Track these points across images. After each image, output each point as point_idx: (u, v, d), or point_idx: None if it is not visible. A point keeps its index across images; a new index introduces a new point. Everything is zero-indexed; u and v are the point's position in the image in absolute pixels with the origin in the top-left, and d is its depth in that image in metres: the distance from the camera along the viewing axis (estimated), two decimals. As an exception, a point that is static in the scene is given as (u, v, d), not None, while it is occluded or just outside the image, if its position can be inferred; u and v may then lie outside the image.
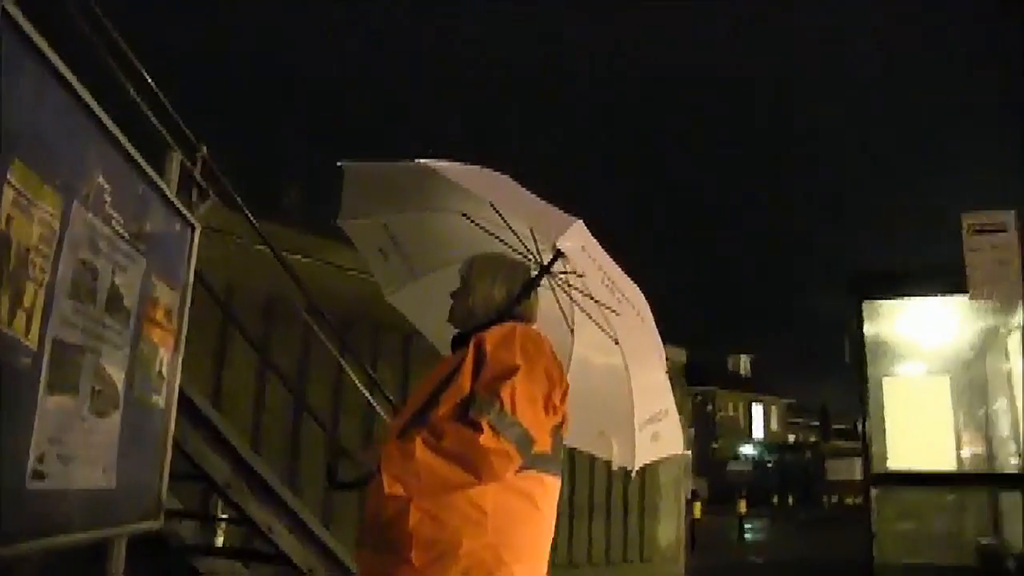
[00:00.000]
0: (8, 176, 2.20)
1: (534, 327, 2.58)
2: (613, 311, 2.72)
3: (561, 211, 2.50)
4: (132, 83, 3.93)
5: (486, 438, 2.15)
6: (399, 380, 7.94)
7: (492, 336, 2.38)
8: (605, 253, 2.62)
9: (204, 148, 4.74)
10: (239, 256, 6.46)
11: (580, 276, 2.71)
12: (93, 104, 2.72)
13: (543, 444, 2.32)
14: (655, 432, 2.98)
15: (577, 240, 2.39)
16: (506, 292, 2.64)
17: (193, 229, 3.94)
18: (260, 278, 6.56)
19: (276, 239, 5.65)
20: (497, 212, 2.75)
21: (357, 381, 5.93)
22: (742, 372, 59.81)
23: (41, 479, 2.50)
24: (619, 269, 2.69)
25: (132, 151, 3.10)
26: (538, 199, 2.54)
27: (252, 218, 5.26)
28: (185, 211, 3.84)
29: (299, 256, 6.88)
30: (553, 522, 2.46)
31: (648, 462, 3.06)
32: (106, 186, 2.87)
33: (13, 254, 2.26)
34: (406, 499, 2.21)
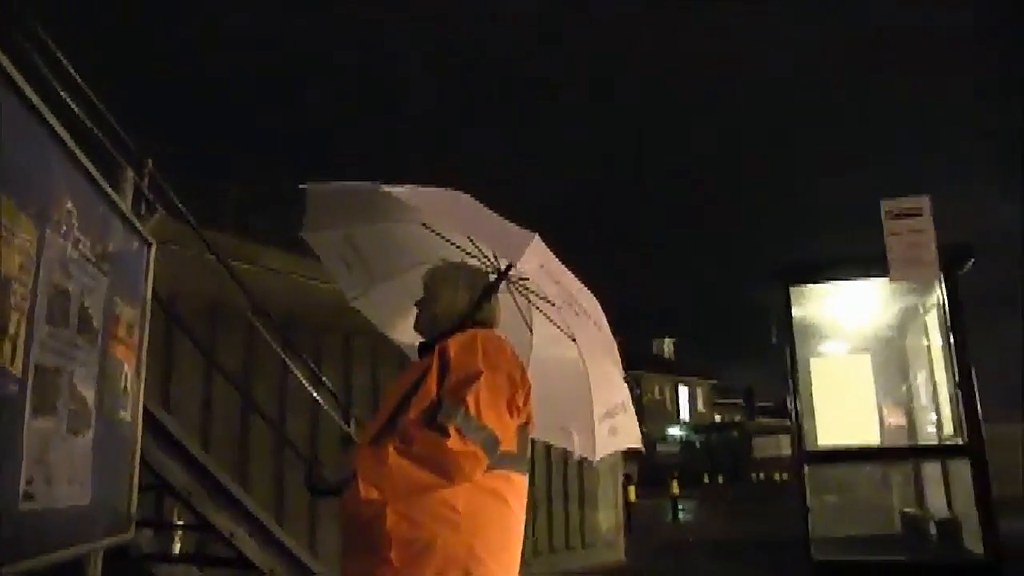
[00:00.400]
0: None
1: (496, 331, 2.73)
2: (567, 329, 2.90)
3: (516, 227, 2.64)
4: (77, 102, 3.96)
5: (454, 442, 2.29)
6: (341, 379, 8.01)
7: (455, 343, 2.51)
8: (560, 264, 2.78)
9: (150, 162, 4.78)
10: (179, 264, 6.47)
11: (535, 291, 2.88)
12: (60, 130, 2.78)
13: (509, 444, 2.46)
14: (612, 426, 3.17)
15: (535, 259, 2.53)
16: (467, 299, 2.77)
17: (149, 246, 3.99)
18: (202, 284, 6.59)
19: (218, 247, 5.70)
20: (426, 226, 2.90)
21: (302, 378, 6.01)
22: (667, 355, 60.68)
23: (31, 500, 2.58)
24: (573, 277, 2.85)
25: (95, 173, 3.16)
26: (494, 215, 2.67)
27: (197, 228, 5.31)
28: (141, 228, 3.89)
29: (240, 262, 6.89)
30: (523, 517, 2.60)
31: (608, 453, 3.24)
32: (73, 210, 2.93)
33: (-1, 286, 2.32)
34: (382, 502, 2.33)
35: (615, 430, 3.18)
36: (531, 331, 3.21)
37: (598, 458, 3.23)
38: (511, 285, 3.02)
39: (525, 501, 2.61)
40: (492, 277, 2.87)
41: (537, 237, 2.55)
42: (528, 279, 2.96)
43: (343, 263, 3.25)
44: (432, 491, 2.35)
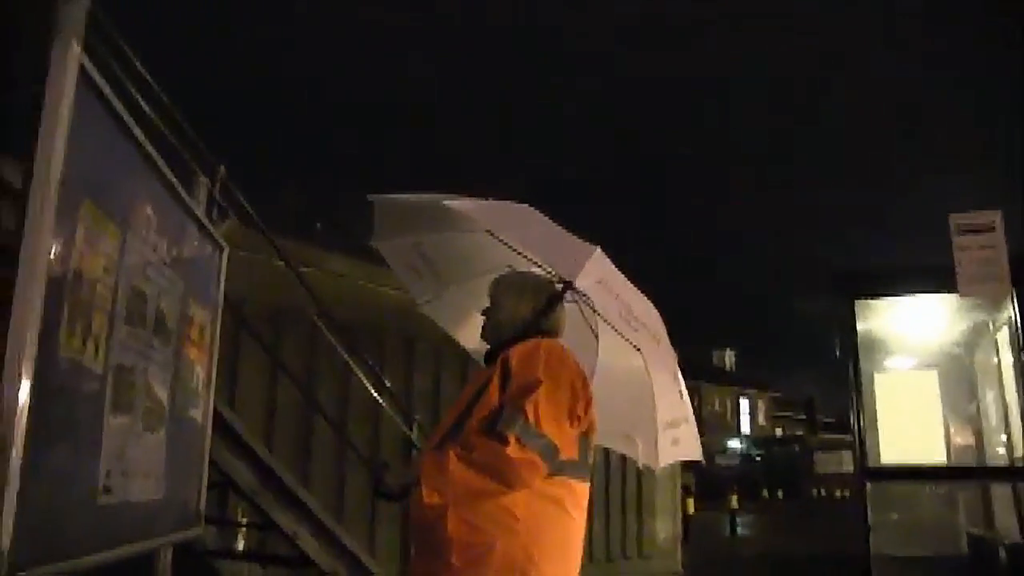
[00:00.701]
0: (80, 214, 2.37)
1: (559, 341, 2.76)
2: (630, 341, 2.93)
3: (578, 240, 2.66)
4: (154, 109, 4.09)
5: (512, 449, 2.35)
6: (403, 383, 8.12)
7: (517, 352, 2.57)
8: (621, 276, 2.80)
9: (223, 169, 4.91)
10: (247, 268, 6.62)
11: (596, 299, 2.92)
12: (142, 138, 2.89)
13: (569, 451, 2.50)
14: (675, 436, 3.19)
15: (594, 275, 2.57)
16: (531, 307, 2.81)
17: (222, 250, 4.11)
18: (268, 289, 6.73)
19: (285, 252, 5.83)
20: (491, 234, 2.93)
21: (365, 381, 6.11)
22: (727, 366, 60.15)
23: (109, 493, 2.68)
24: (635, 291, 2.88)
25: (173, 180, 3.27)
26: (555, 228, 2.69)
27: (267, 233, 5.45)
28: (215, 233, 4.01)
29: (305, 267, 7.03)
30: (583, 524, 2.63)
31: (670, 463, 3.27)
32: (152, 215, 3.04)
33: (85, 287, 2.43)
34: (443, 506, 2.39)
35: (677, 440, 3.20)
36: (597, 339, 3.24)
37: (661, 466, 3.25)
38: (577, 294, 3.05)
39: (586, 509, 2.65)
40: (559, 286, 2.90)
41: (598, 251, 2.58)
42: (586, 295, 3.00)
43: (412, 270, 3.33)
44: (492, 497, 2.40)
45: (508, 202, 2.83)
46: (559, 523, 2.52)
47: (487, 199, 2.83)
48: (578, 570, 2.62)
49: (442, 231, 3.16)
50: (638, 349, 3.06)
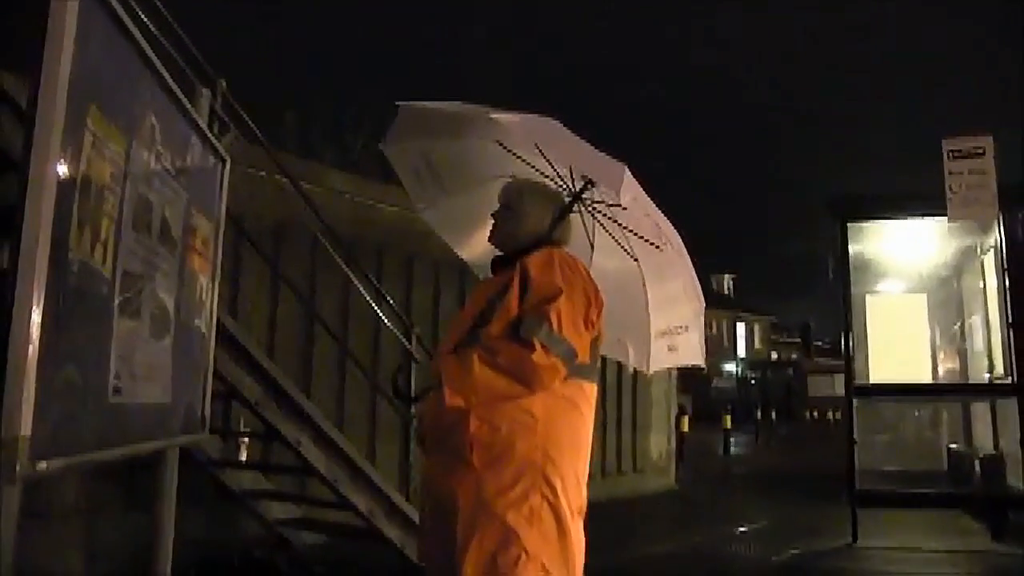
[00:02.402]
0: (87, 122, 2.43)
1: (567, 250, 2.88)
2: (655, 246, 3.03)
3: (605, 156, 2.71)
4: (154, 21, 4.12)
5: (538, 355, 2.49)
6: (402, 299, 8.23)
7: (535, 261, 2.68)
8: (646, 196, 2.87)
9: (223, 83, 4.95)
10: (249, 183, 6.68)
11: (615, 207, 3.01)
12: (145, 45, 2.91)
13: (583, 356, 2.65)
14: (671, 344, 3.34)
15: (631, 191, 2.65)
16: (549, 218, 2.91)
17: (224, 162, 4.16)
18: (270, 203, 6.80)
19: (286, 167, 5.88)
20: (538, 148, 2.95)
21: (366, 294, 6.22)
22: (725, 291, 60.40)
23: (119, 394, 2.80)
24: (658, 211, 2.95)
25: (176, 90, 3.31)
26: (583, 143, 2.73)
27: (268, 148, 5.51)
28: (218, 145, 4.07)
29: (305, 183, 7.09)
30: (592, 421, 2.80)
31: (663, 367, 3.45)
32: (156, 124, 3.09)
33: (93, 193, 2.50)
34: (465, 408, 2.53)
35: (675, 347, 3.35)
36: (592, 247, 3.32)
37: (652, 370, 3.42)
38: (582, 205, 3.13)
39: (595, 407, 2.80)
40: (567, 199, 3.00)
41: (627, 168, 2.65)
42: (601, 201, 3.09)
43: (415, 174, 3.34)
44: (514, 399, 2.54)
45: (541, 116, 2.85)
46: (573, 421, 2.68)
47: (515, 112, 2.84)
48: (587, 464, 2.78)
49: (454, 139, 3.16)
50: (636, 260, 3.18)
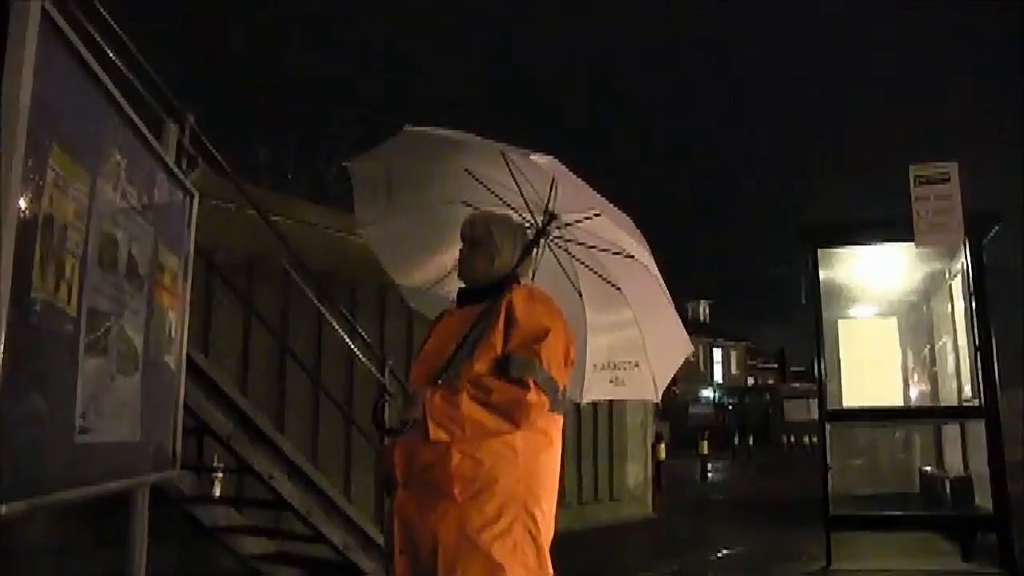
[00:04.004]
0: (49, 160, 2.42)
1: (538, 286, 2.91)
2: (611, 284, 3.07)
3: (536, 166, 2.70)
4: (121, 57, 4.12)
5: (532, 395, 2.52)
6: (376, 331, 8.19)
7: (519, 299, 2.69)
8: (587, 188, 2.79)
9: (191, 117, 4.94)
10: (219, 217, 6.65)
11: (575, 225, 3.01)
12: (109, 84, 2.90)
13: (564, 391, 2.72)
14: (616, 377, 3.35)
15: (550, 163, 2.63)
16: (518, 253, 2.92)
17: (192, 197, 4.16)
18: (240, 237, 6.77)
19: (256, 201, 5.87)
20: (509, 168, 2.92)
21: (339, 328, 6.19)
22: (702, 318, 60.59)
23: (86, 433, 2.77)
24: (615, 213, 2.85)
25: (142, 127, 3.31)
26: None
27: (237, 182, 5.50)
28: (185, 180, 4.06)
29: (276, 216, 7.07)
30: (559, 452, 2.80)
31: (600, 399, 3.54)
32: (121, 161, 3.08)
33: (56, 231, 2.48)
34: (447, 443, 2.53)
35: (619, 380, 3.36)
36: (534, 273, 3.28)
37: (586, 401, 3.45)
38: (545, 240, 3.11)
39: (561, 436, 2.81)
40: (530, 233, 3.01)
41: (555, 161, 2.62)
42: (560, 237, 3.10)
43: (371, 189, 3.23)
44: (499, 435, 2.56)
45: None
46: (547, 453, 2.71)
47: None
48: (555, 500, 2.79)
49: (421, 159, 3.06)
50: (580, 295, 3.21)
